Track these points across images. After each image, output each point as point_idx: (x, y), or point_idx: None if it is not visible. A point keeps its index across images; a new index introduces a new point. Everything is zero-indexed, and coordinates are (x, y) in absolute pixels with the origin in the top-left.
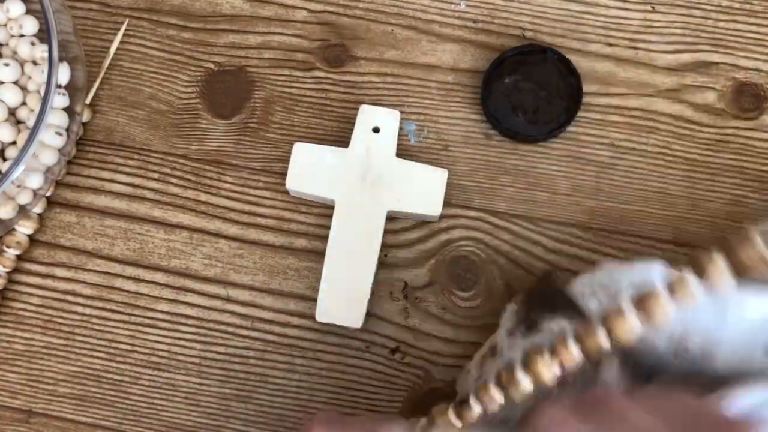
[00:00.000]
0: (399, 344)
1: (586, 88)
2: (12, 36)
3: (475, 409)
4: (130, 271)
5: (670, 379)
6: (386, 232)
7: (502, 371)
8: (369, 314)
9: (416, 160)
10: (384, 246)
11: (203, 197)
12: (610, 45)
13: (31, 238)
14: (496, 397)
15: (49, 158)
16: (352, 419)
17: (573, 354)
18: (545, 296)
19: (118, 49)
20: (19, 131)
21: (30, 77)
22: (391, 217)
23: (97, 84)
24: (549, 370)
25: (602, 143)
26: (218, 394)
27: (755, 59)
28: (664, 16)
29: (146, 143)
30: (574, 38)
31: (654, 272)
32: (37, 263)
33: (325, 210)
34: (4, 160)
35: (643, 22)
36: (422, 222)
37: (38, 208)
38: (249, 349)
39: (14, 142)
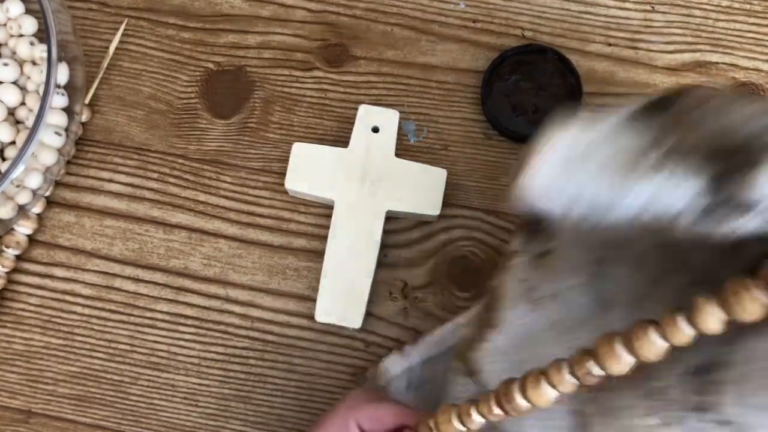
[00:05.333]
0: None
1: (585, 87)
2: (11, 36)
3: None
4: (129, 271)
5: None
6: (386, 232)
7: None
8: (368, 314)
9: (416, 160)
10: (383, 246)
11: (202, 197)
12: (610, 45)
13: (31, 238)
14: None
15: (48, 158)
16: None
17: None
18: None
19: (117, 48)
20: (18, 131)
21: (29, 77)
22: (391, 217)
23: (96, 84)
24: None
25: None
26: (217, 395)
27: (755, 59)
28: (664, 16)
29: (145, 143)
30: (573, 38)
31: None
32: (36, 263)
33: (324, 210)
34: (4, 160)
35: (642, 21)
36: (422, 222)
37: (37, 208)
38: (248, 349)
39: (13, 142)
